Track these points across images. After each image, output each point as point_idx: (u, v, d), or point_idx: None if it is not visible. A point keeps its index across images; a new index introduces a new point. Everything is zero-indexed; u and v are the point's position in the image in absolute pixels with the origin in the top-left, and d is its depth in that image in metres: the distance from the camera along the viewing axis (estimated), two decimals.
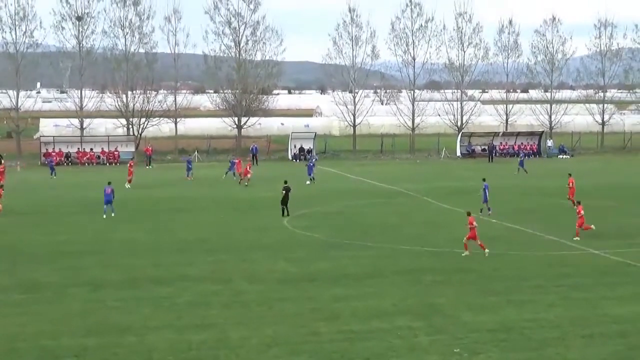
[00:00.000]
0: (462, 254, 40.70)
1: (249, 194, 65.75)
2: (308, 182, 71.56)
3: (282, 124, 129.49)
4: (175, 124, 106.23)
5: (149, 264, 38.99)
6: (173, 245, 44.15)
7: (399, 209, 57.77)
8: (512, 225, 50.12)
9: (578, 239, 45.32)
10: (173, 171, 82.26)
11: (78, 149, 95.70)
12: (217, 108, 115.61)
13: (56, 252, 42.14)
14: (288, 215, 53.21)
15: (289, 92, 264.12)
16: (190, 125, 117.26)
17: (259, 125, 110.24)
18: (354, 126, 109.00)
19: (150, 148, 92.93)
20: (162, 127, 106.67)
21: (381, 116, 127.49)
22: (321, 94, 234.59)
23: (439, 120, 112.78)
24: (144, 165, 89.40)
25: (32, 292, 33.80)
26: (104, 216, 53.18)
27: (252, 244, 44.27)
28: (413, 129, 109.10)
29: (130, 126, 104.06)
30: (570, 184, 57.81)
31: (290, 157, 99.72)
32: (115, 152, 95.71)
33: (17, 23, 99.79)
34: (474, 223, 40.90)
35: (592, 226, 46.13)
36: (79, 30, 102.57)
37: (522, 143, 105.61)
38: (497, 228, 49.25)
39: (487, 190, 53.52)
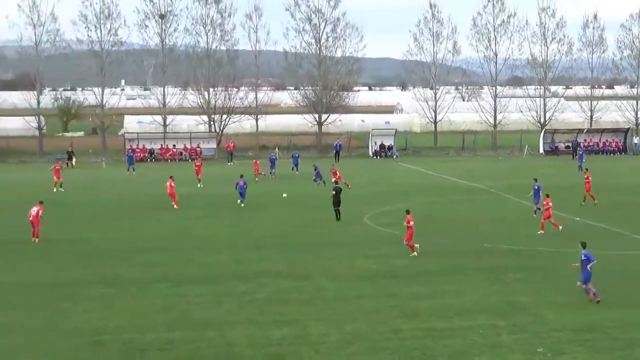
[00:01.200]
0: (410, 255, 39.72)
1: (329, 190, 65.63)
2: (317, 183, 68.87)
3: (363, 120, 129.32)
4: (256, 120, 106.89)
5: (229, 260, 39.24)
6: (253, 241, 44.34)
7: (479, 206, 57.20)
8: (596, 224, 49.14)
9: (542, 232, 45.73)
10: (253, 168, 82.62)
11: (161, 145, 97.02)
12: (298, 105, 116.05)
13: (138, 248, 42.68)
14: (340, 219, 50.59)
15: (370, 89, 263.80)
16: (270, 122, 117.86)
17: (339, 122, 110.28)
18: (435, 123, 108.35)
19: (232, 144, 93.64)
20: (243, 124, 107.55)
21: (462, 113, 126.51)
22: (402, 90, 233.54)
23: (521, 116, 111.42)
24: (226, 161, 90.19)
25: (115, 287, 34.28)
26: (242, 205, 56.09)
27: (331, 240, 44.22)
28: (495, 125, 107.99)
29: (212, 123, 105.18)
30: (588, 179, 57.01)
31: (370, 153, 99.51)
32: (197, 149, 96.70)
33: (102, 22, 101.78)
34: (411, 222, 40.07)
35: (560, 227, 46.14)
36: (162, 28, 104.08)
37: (607, 140, 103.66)
38: (580, 226, 48.37)
39: (539, 191, 51.45)
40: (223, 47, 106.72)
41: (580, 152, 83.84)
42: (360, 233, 46.85)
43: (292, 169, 79.42)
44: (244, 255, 40.34)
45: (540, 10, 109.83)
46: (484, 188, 66.28)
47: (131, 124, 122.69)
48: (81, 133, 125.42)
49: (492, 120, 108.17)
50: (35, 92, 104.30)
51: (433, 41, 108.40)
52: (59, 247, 42.87)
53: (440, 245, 42.91)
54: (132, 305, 31.17)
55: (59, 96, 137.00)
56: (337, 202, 50.92)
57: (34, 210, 44.51)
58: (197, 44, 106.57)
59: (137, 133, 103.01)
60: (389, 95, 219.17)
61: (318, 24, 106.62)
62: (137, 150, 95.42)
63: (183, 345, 26.24)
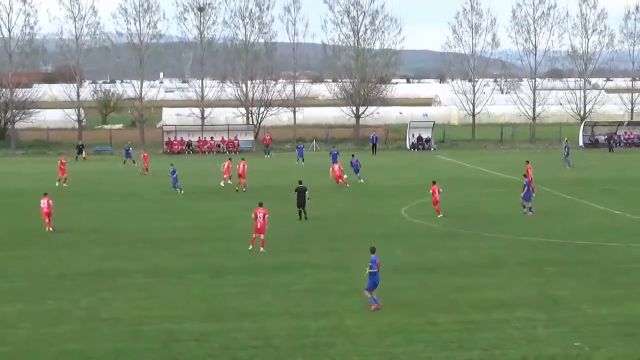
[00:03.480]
0: (438, 217, 40.41)
1: (366, 182, 65.71)
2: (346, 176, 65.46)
3: (401, 113, 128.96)
4: (294, 113, 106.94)
5: (268, 252, 39.38)
6: (291, 232, 44.49)
7: (518, 199, 56.80)
8: (638, 217, 48.72)
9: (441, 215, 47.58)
10: (292, 160, 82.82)
11: (199, 137, 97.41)
12: (336, 97, 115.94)
13: (178, 238, 43.03)
14: (305, 219, 48.67)
15: (408, 81, 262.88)
16: (308, 114, 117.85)
17: (377, 114, 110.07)
18: (473, 115, 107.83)
19: (268, 137, 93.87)
20: (281, 116, 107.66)
21: (501, 105, 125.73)
22: (440, 82, 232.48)
23: (560, 109, 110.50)
24: (263, 154, 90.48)
25: (155, 276, 34.62)
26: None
27: (369, 232, 44.22)
28: (534, 118, 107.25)
29: (250, 115, 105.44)
30: (529, 170, 56.84)
31: (408, 146, 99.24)
32: (235, 141, 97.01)
33: (141, 15, 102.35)
34: (434, 190, 41.06)
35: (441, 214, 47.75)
36: (200, 21, 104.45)
37: None
38: (621, 220, 48.02)
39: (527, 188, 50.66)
40: (261, 40, 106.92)
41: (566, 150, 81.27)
42: (398, 225, 46.85)
43: (297, 160, 79.89)
44: (282, 246, 40.47)
45: (581, 1, 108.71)
46: (522, 181, 65.73)
47: (169, 116, 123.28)
48: (120, 125, 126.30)
49: (530, 113, 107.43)
50: (75, 85, 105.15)
51: (472, 33, 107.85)
52: (100, 237, 43.31)
53: (478, 238, 42.81)
54: (171, 296, 31.47)
55: (99, 89, 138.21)
56: (301, 202, 48.82)
57: (44, 202, 45.61)
58: (236, 37, 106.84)
59: (175, 125, 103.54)
60: (427, 87, 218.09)
61: (356, 16, 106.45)
62: (175, 142, 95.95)
63: (220, 336, 26.43)
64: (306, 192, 48.80)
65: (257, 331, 27.00)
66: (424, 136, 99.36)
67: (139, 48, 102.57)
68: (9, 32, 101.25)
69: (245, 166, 60.82)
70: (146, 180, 66.39)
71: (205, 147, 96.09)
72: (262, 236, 39.42)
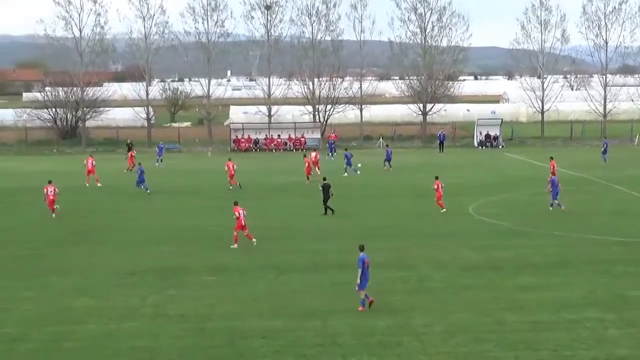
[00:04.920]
0: (440, 211, 39.89)
1: (432, 179, 65.25)
2: (345, 174, 68.25)
3: (468, 110, 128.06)
4: (361, 110, 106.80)
5: (333, 250, 39.36)
6: (358, 231, 44.35)
7: (587, 197, 56.06)
8: None
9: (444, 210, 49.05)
10: (358, 158, 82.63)
11: (266, 135, 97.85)
12: (402, 95, 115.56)
13: (242, 236, 43.11)
14: (329, 212, 49.25)
15: (475, 78, 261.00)
16: (375, 112, 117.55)
17: (444, 112, 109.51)
18: (542, 112, 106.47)
19: (334, 135, 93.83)
20: (348, 114, 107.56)
21: (571, 102, 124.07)
22: (508, 79, 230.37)
23: (632, 105, 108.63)
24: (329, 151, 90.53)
25: (221, 274, 34.79)
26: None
27: (436, 231, 43.99)
28: (605, 115, 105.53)
29: (317, 113, 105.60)
30: (552, 167, 57.18)
31: (476, 143, 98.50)
32: (302, 139, 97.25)
33: (209, 14, 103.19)
34: (239, 213, 39.83)
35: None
36: (267, 19, 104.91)
37: None
38: None
39: (557, 186, 50.36)
40: (328, 38, 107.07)
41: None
42: (465, 224, 46.46)
43: (328, 155, 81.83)
44: (349, 245, 40.23)
45: None
46: (592, 179, 64.94)
47: (236, 114, 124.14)
48: (188, 123, 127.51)
49: (601, 110, 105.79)
50: (145, 84, 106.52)
51: (541, 29, 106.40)
52: (166, 235, 43.69)
53: (546, 236, 42.26)
54: (236, 293, 31.60)
55: (167, 87, 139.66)
56: (325, 197, 49.42)
57: (51, 190, 49.22)
58: (302, 35, 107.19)
59: (243, 123, 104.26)
60: (495, 84, 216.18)
61: (423, 13, 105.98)
62: (242, 140, 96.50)
63: (286, 334, 26.44)
64: (330, 188, 49.23)
65: (322, 329, 26.96)
66: (492, 134, 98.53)
67: (206, 47, 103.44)
68: (80, 32, 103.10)
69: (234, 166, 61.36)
70: (207, 179, 66.72)
71: (272, 144, 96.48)
72: (246, 231, 40.06)
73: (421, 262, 36.54)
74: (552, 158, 60.54)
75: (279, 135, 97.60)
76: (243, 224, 40.00)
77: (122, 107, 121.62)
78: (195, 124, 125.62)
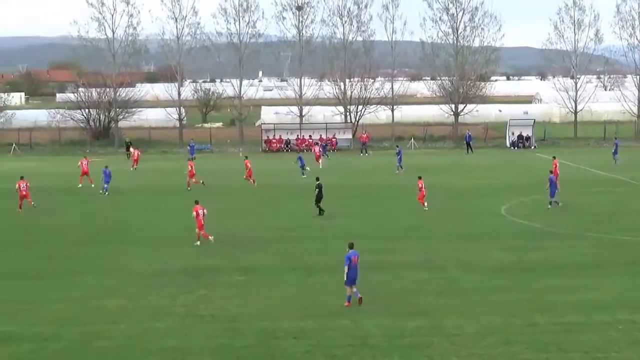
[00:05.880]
0: (194, 244, 40.51)
1: (464, 181, 65.14)
2: (304, 176, 67.71)
3: (500, 110, 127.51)
4: (392, 111, 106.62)
5: (363, 250, 39.03)
6: (387, 232, 44.31)
7: (620, 199, 55.60)
8: None
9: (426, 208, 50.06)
10: (389, 158, 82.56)
11: (297, 135, 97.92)
12: (434, 95, 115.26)
13: (271, 237, 43.23)
14: (322, 214, 49.28)
15: (508, 79, 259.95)
16: (406, 113, 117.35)
17: (476, 112, 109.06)
18: (575, 113, 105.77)
19: (365, 135, 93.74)
20: (379, 114, 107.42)
21: (604, 102, 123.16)
22: (541, 80, 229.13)
23: None
24: (359, 152, 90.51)
25: (251, 274, 34.85)
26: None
27: (467, 232, 43.79)
28: (639, 115, 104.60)
29: (348, 113, 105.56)
30: (554, 166, 57.14)
31: (508, 144, 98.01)
32: (333, 139, 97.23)
33: (240, 14, 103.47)
34: (198, 212, 40.48)
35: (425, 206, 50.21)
36: (299, 19, 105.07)
37: None
38: None
39: (555, 185, 50.71)
40: (359, 38, 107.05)
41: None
42: (497, 225, 46.22)
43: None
44: (378, 246, 40.31)
45: None
46: (625, 180, 64.36)
47: (268, 114, 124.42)
48: (220, 124, 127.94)
49: (635, 110, 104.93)
50: (177, 84, 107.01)
51: (574, 29, 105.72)
52: (196, 236, 43.75)
53: (578, 237, 41.96)
54: (267, 293, 31.63)
55: (199, 88, 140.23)
56: (318, 197, 49.53)
57: (23, 186, 51.82)
58: (334, 35, 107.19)
59: (274, 124, 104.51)
60: (528, 85, 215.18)
61: (455, 14, 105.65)
62: (273, 140, 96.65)
63: (317, 334, 26.44)
64: (322, 188, 49.72)
65: (353, 330, 26.92)
66: (524, 134, 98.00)
67: (238, 47, 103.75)
68: (113, 33, 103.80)
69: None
70: (237, 180, 66.81)
71: (304, 145, 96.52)
72: (202, 231, 40.93)
73: (451, 263, 36.40)
74: (554, 157, 60.88)
75: (310, 136, 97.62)
76: (202, 223, 40.85)
77: (154, 107, 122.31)
78: (226, 124, 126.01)
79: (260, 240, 42.34)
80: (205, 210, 40.99)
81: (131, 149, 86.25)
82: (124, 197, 58.77)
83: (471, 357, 24.43)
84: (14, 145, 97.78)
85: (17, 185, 52.24)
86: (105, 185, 59.84)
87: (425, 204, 50.77)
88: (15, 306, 30.38)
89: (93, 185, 62.62)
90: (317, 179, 50.56)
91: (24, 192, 51.80)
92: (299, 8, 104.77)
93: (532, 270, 35.07)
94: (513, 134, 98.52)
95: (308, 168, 68.76)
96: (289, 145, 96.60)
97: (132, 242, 42.48)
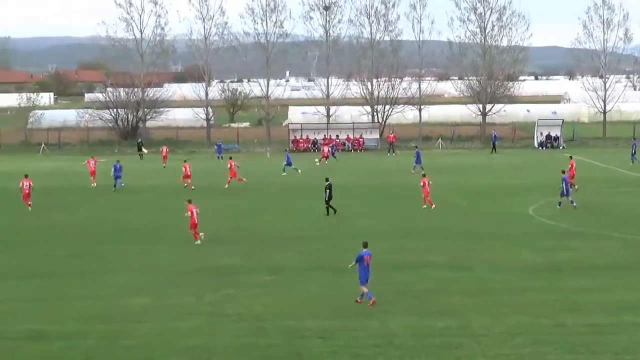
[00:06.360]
0: (195, 243, 40.66)
1: (491, 181, 64.81)
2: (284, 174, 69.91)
3: (528, 110, 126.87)
4: (420, 111, 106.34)
5: (387, 250, 39.02)
6: (411, 231, 44.15)
7: None
8: None
9: (425, 206, 50.67)
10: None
11: (324, 135, 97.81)
12: (462, 95, 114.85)
13: (295, 236, 43.18)
14: (334, 212, 49.23)
15: (536, 78, 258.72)
16: (434, 112, 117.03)
17: (504, 112, 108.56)
18: (604, 113, 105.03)
19: (392, 135, 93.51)
20: (406, 114, 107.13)
21: (634, 102, 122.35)
22: (569, 79, 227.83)
23: None
24: (386, 152, 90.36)
25: (276, 273, 34.79)
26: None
27: (494, 232, 43.56)
28: None
29: (375, 113, 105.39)
30: (571, 166, 57.43)
31: (536, 144, 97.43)
32: (360, 139, 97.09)
33: (268, 14, 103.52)
34: (192, 212, 40.74)
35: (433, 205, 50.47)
36: (326, 19, 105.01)
37: None
38: None
39: (565, 183, 50.41)
40: (387, 38, 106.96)
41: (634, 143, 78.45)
42: (524, 225, 45.93)
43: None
44: (403, 245, 40.19)
45: None
46: None
47: (295, 114, 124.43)
48: (247, 124, 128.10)
49: None
50: (204, 84, 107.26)
51: (603, 28, 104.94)
52: (220, 235, 43.83)
53: (606, 238, 41.60)
54: (292, 293, 31.58)
55: (226, 88, 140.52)
56: (329, 197, 49.55)
57: (26, 185, 52.47)
58: (361, 35, 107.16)
59: (301, 124, 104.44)
60: (556, 84, 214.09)
61: (483, 13, 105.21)
62: (300, 140, 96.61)
63: (343, 334, 26.33)
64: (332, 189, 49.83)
65: (379, 330, 26.80)
66: (553, 134, 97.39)
67: (265, 47, 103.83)
68: (141, 33, 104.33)
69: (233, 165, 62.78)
70: (264, 179, 66.90)
71: (331, 144, 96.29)
72: (194, 230, 41.27)
73: (479, 263, 36.18)
74: (571, 157, 61.00)
75: (337, 136, 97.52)
76: (196, 222, 41.13)
77: (181, 107, 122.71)
78: (254, 124, 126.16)
79: (285, 240, 42.29)
80: (198, 210, 41.36)
81: (144, 149, 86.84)
82: (150, 196, 58.95)
83: (499, 357, 24.24)
84: (42, 145, 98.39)
85: (20, 184, 52.96)
86: (118, 181, 61.01)
87: (426, 203, 51.18)
88: (44, 304, 30.54)
89: (94, 185, 63.31)
90: (327, 180, 50.44)
91: (27, 191, 52.46)
92: (327, 8, 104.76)
93: (560, 270, 34.79)
94: (541, 134, 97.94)
95: (296, 168, 69.79)
96: (316, 145, 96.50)
97: (158, 240, 42.54)
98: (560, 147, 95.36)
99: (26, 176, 53.52)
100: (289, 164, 70.16)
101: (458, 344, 25.33)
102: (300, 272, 35.09)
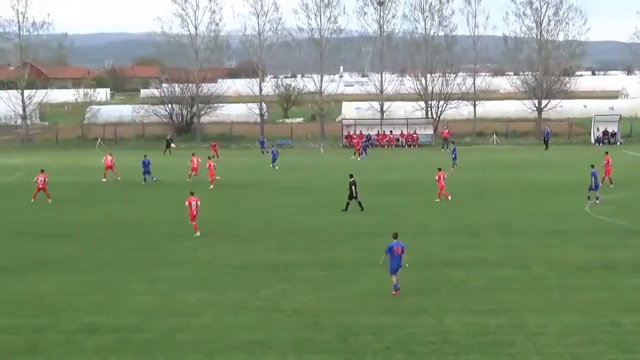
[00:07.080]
0: (195, 235, 41.51)
1: (547, 177, 64.26)
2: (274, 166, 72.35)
3: (585, 106, 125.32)
4: (474, 106, 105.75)
5: (442, 247, 39.04)
6: (467, 228, 43.95)
7: None
8: None
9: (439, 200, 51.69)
10: (471, 154, 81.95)
11: (378, 131, 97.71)
12: (517, 90, 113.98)
13: (351, 232, 43.19)
14: (361, 210, 49.35)
15: (593, 74, 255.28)
16: (488, 108, 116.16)
17: (560, 108, 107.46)
18: None
19: (447, 131, 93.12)
20: (461, 110, 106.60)
21: None
22: (627, 74, 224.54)
23: None
24: (440, 148, 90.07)
25: (331, 269, 34.89)
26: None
27: (550, 229, 43.18)
28: None
29: (429, 109, 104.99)
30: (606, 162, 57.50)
31: (592, 140, 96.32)
32: (414, 135, 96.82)
33: (322, 10, 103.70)
34: (191, 203, 41.71)
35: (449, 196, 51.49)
36: (380, 15, 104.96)
37: None
38: None
39: (594, 177, 50.53)
40: (441, 33, 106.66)
41: None
42: (580, 222, 45.49)
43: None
44: (458, 242, 40.06)
45: None
46: None
47: (349, 110, 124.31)
48: (300, 119, 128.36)
49: None
50: (258, 80, 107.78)
51: None
52: (276, 230, 44.07)
53: None
54: (347, 289, 31.64)
55: (280, 83, 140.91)
56: (351, 195, 49.65)
57: (41, 179, 53.54)
58: (415, 30, 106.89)
59: (355, 119, 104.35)
60: (613, 79, 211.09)
61: (539, 7, 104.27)
62: (354, 136, 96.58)
63: (397, 331, 26.35)
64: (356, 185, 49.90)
65: (434, 327, 26.78)
66: (610, 130, 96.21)
67: (319, 43, 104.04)
68: (196, 29, 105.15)
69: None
70: (317, 175, 67.01)
71: (384, 140, 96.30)
72: (194, 222, 42.30)
73: (534, 260, 35.93)
74: (607, 153, 60.63)
75: (391, 132, 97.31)
76: (195, 214, 41.98)
77: (235, 103, 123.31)
78: (307, 119, 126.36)
79: (340, 236, 42.37)
80: (198, 202, 42.20)
81: (172, 145, 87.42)
82: (204, 192, 59.32)
83: (554, 356, 24.09)
84: (99, 140, 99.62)
85: (35, 178, 54.23)
86: (148, 176, 62.38)
87: (440, 198, 52.31)
88: (101, 297, 30.95)
89: (104, 180, 64.39)
90: (351, 176, 50.48)
91: (41, 185, 53.53)
92: (380, 3, 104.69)
93: (617, 268, 34.41)
94: (598, 129, 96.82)
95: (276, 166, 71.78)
96: (369, 141, 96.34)
97: (212, 236, 42.76)
98: (618, 144, 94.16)
99: (42, 171, 54.71)
100: (274, 159, 72.85)
101: (512, 341, 25.22)
102: (354, 268, 35.14)
